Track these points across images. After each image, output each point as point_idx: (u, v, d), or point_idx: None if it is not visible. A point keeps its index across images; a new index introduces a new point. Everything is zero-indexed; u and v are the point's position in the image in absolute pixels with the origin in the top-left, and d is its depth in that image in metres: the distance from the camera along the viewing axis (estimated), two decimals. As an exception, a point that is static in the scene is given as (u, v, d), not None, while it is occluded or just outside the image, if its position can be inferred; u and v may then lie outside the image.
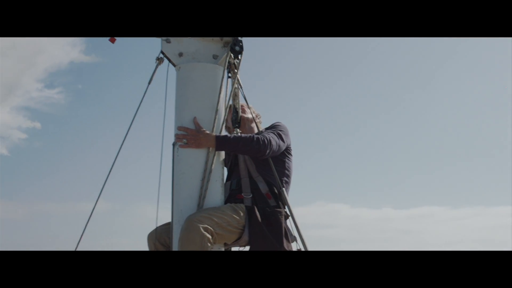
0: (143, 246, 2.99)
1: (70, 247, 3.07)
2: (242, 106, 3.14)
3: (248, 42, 3.00)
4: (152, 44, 3.04)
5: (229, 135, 2.89)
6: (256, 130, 3.17)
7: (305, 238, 2.87)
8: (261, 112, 3.34)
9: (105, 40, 3.00)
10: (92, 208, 3.06)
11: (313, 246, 2.91)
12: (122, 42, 3.04)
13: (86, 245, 3.06)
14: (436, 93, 17.14)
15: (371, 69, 17.29)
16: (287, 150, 3.06)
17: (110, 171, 3.07)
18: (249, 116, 3.18)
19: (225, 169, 3.01)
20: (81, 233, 3.05)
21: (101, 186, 3.04)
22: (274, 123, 3.09)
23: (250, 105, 3.21)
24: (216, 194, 2.78)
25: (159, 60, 3.00)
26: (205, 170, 2.74)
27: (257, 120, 3.22)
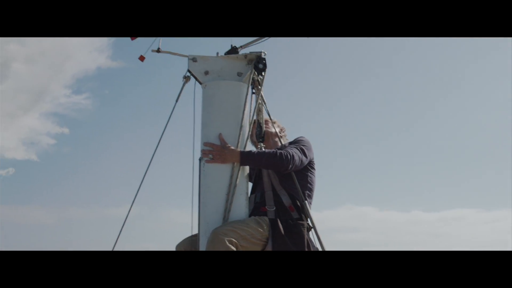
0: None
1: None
2: (266, 121, 3.25)
3: (270, 56, 3.10)
4: (178, 49, 3.18)
5: (253, 150, 3.00)
6: (279, 144, 3.26)
7: (326, 248, 2.96)
8: (285, 123, 3.44)
9: (131, 45, 3.16)
10: (126, 213, 3.23)
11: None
12: (147, 46, 3.18)
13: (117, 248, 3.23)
14: (467, 95, 16.85)
15: (400, 73, 17.13)
16: (310, 164, 3.15)
17: (142, 180, 3.23)
18: (273, 130, 3.28)
19: (250, 183, 3.12)
20: (114, 237, 3.23)
21: (131, 191, 3.23)
22: (297, 138, 3.18)
23: (274, 120, 3.31)
24: (240, 207, 2.89)
25: (186, 79, 3.15)
26: (230, 185, 2.86)
27: (282, 134, 3.32)
